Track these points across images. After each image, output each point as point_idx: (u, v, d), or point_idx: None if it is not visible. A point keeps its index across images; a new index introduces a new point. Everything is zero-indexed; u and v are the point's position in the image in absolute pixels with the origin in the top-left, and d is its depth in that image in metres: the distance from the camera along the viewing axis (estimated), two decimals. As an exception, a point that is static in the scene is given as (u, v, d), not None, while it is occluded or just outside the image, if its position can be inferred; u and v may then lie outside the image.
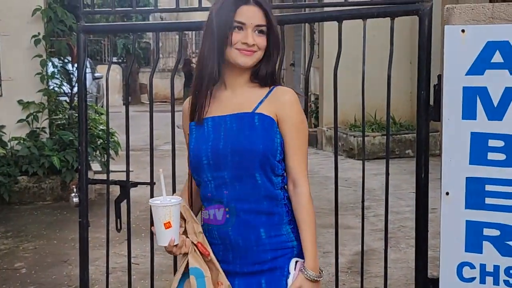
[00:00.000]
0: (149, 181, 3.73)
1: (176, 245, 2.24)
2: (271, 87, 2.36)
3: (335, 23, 3.14)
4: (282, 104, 2.32)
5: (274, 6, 3.70)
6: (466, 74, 2.77)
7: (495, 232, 2.77)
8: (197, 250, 2.27)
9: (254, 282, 2.30)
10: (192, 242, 2.28)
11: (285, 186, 2.37)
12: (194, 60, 24.22)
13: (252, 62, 2.31)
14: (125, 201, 3.77)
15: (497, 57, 2.71)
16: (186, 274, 2.30)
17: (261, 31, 2.29)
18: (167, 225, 2.21)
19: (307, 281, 2.26)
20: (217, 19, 2.29)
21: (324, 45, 12.11)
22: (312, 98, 13.67)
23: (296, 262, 2.31)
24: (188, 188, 2.52)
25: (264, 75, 2.35)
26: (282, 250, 2.32)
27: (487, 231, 2.79)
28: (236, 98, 2.36)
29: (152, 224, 2.27)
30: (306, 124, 2.42)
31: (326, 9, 3.47)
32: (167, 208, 2.21)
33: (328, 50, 11.38)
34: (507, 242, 2.75)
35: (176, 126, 3.72)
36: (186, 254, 2.29)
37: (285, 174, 2.36)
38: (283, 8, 3.97)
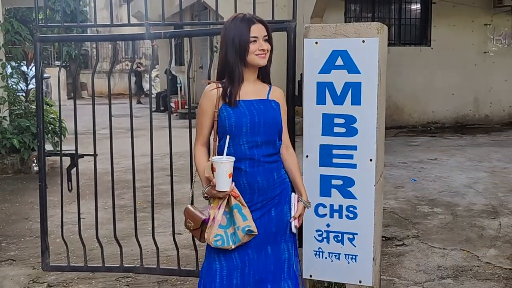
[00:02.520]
0: (92, 154, 3.83)
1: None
2: (269, 85, 2.62)
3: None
4: (279, 97, 2.61)
5: (184, 23, 3.84)
6: (318, 73, 3.01)
7: (339, 182, 3.05)
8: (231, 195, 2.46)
9: (265, 211, 2.53)
10: None
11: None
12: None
13: (266, 61, 2.53)
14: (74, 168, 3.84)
15: (339, 61, 2.96)
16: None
17: (266, 40, 2.51)
18: (230, 175, 2.39)
19: (304, 208, 2.59)
20: (237, 38, 2.47)
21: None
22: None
23: (296, 197, 2.58)
24: (214, 151, 2.61)
25: (266, 73, 2.59)
26: (284, 184, 2.59)
27: (334, 181, 3.06)
28: (251, 89, 2.56)
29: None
30: None
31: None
32: (231, 163, 2.39)
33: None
34: (347, 189, 3.04)
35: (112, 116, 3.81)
36: (218, 199, 2.46)
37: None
38: (194, 25, 4.07)
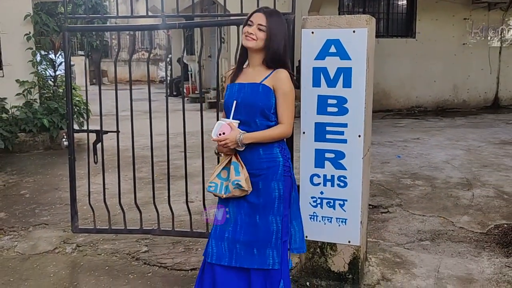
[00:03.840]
0: (115, 131, 3.88)
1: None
2: (275, 69, 2.58)
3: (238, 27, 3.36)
4: (277, 80, 2.54)
5: (195, 15, 3.88)
6: (314, 59, 3.03)
7: (332, 155, 3.09)
8: (235, 156, 2.57)
9: (253, 182, 2.57)
10: None
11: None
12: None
13: (251, 45, 2.53)
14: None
15: (333, 49, 2.98)
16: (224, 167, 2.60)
17: (260, 29, 2.52)
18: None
19: (234, 136, 2.49)
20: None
21: (231, 43, 12.03)
22: (223, 79, 13.70)
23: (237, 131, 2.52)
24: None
25: (269, 59, 2.57)
26: (273, 162, 2.59)
27: (327, 155, 3.10)
28: (253, 73, 2.61)
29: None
30: (292, 92, 2.57)
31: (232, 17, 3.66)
32: (232, 123, 2.52)
33: (233, 45, 11.42)
34: (339, 161, 3.08)
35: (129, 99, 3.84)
36: (227, 156, 2.59)
37: (277, 120, 2.60)
38: (203, 16, 4.08)
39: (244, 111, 2.55)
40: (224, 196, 2.57)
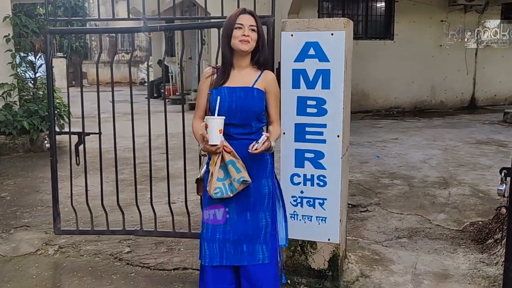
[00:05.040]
0: (97, 133, 3.89)
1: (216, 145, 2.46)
2: (262, 70, 2.62)
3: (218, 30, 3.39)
4: (268, 81, 2.61)
5: (176, 18, 3.90)
6: (294, 61, 3.09)
7: (311, 155, 3.14)
8: (224, 151, 2.52)
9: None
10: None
11: (265, 127, 2.70)
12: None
13: (248, 48, 2.53)
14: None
15: (312, 51, 3.04)
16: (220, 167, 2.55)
17: (253, 29, 2.53)
18: (220, 131, 2.46)
19: (268, 144, 2.50)
20: (226, 26, 2.56)
21: (211, 45, 12.00)
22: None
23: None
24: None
25: (261, 61, 2.61)
26: (262, 160, 2.63)
27: (307, 155, 3.15)
28: (240, 75, 2.60)
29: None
30: (279, 92, 2.72)
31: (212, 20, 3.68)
32: (221, 120, 2.46)
33: (214, 47, 11.43)
34: (318, 161, 3.13)
35: (109, 101, 3.84)
36: (215, 154, 2.52)
37: (267, 120, 2.68)
38: (184, 19, 4.08)
39: (240, 115, 2.55)
40: (232, 195, 2.54)
